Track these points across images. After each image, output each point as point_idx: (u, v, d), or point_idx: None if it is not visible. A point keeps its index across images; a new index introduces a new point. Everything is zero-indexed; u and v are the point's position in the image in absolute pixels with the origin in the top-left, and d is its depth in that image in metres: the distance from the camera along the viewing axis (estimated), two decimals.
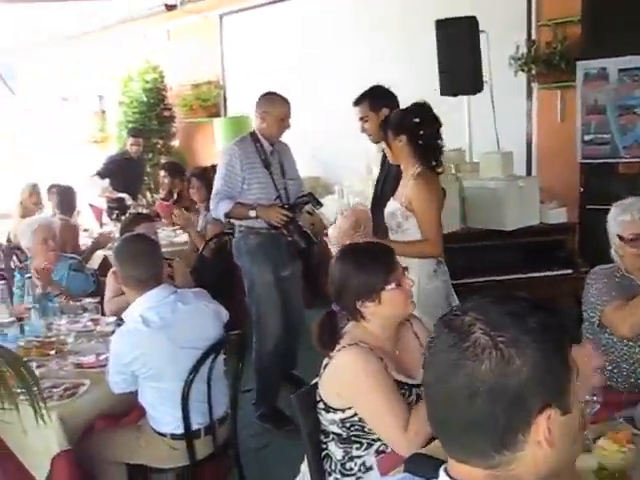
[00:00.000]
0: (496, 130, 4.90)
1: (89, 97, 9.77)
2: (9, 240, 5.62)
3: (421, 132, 3.10)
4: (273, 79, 7.12)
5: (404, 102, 3.45)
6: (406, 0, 6.34)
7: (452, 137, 4.69)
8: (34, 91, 11.02)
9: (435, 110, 3.18)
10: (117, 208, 6.49)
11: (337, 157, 6.76)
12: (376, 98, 3.80)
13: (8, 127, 10.64)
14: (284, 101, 4.10)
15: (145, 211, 6.55)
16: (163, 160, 8.20)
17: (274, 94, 4.15)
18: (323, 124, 6.79)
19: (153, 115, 8.49)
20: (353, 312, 2.19)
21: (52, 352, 2.99)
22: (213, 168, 6.27)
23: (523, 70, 5.53)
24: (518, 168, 5.11)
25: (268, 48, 7.61)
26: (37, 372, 2.84)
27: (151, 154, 8.50)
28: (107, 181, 6.99)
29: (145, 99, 8.39)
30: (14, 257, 4.74)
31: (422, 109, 3.16)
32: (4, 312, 3.31)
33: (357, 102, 3.83)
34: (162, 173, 6.80)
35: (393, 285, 2.14)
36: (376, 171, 5.00)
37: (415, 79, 5.45)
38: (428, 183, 3.11)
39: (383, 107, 3.71)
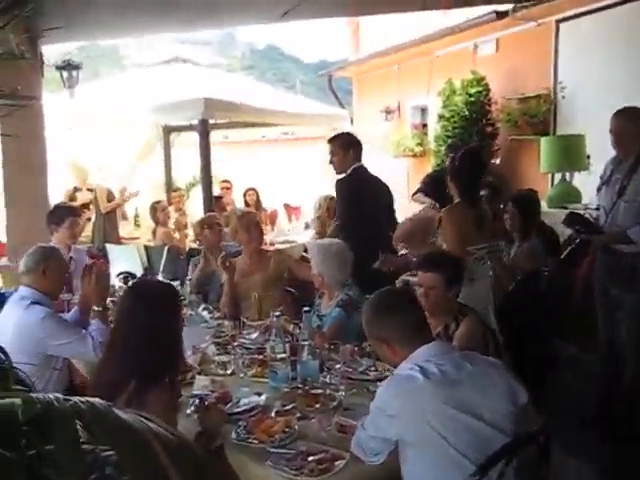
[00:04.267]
0: None
1: (411, 110, 9.58)
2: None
3: (466, 179, 4.01)
4: (619, 92, 6.07)
5: None
6: None
7: None
8: (362, 104, 11.27)
9: None
10: None
11: None
12: (347, 141, 4.84)
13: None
14: (614, 116, 4.01)
15: None
16: None
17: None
18: None
19: (474, 131, 7.87)
20: None
21: (317, 405, 2.57)
22: (534, 194, 5.50)
23: None
24: None
25: (616, 57, 6.49)
26: (296, 427, 2.47)
27: None
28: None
29: (467, 113, 7.83)
30: None
31: (470, 158, 4.18)
32: (279, 345, 3.00)
33: (331, 140, 4.88)
34: None
35: None
36: None
37: None
38: (448, 214, 4.01)
39: (350, 149, 4.76)
